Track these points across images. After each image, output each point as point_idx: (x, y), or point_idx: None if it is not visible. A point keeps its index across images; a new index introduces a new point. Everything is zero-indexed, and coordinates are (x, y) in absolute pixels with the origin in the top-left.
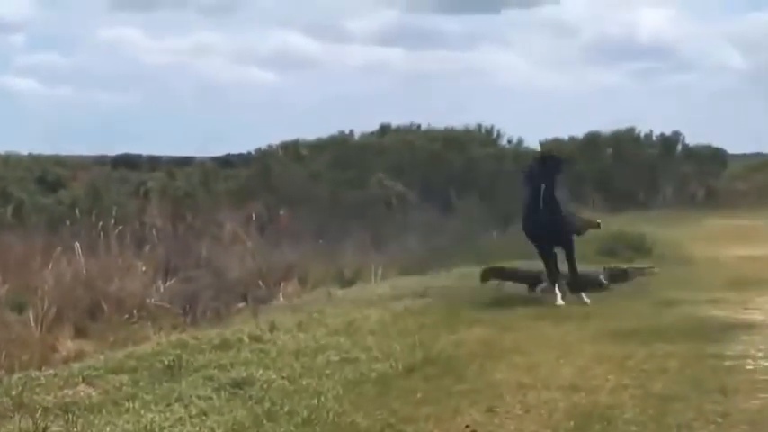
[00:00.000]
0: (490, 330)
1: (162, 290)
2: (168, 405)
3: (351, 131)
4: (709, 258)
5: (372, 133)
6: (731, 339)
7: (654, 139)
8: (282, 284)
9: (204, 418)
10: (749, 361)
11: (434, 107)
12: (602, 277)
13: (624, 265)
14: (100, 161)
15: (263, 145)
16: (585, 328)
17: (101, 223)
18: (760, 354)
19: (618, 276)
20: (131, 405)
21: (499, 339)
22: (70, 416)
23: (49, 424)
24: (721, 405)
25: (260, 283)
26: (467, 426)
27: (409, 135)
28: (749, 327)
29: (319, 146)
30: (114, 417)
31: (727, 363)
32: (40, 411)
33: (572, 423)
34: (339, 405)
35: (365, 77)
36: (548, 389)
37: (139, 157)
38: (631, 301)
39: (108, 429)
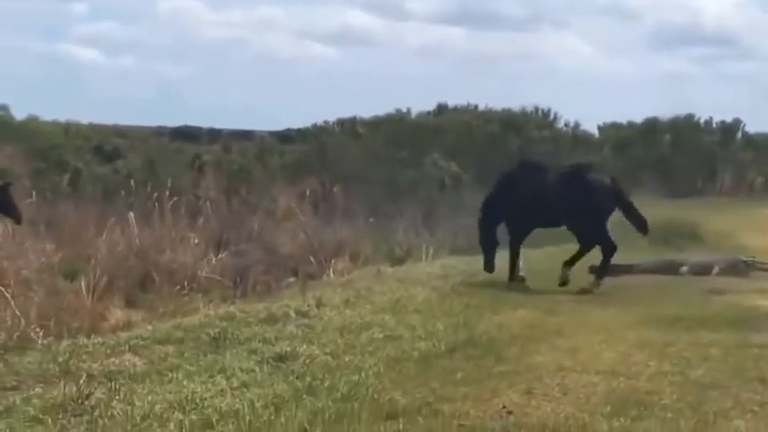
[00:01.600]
0: (534, 313)
1: (213, 262)
2: (211, 377)
3: (408, 110)
4: (761, 248)
5: (429, 113)
6: None
7: (714, 126)
8: (333, 261)
9: (245, 390)
10: None
11: (493, 88)
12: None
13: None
14: (159, 132)
15: (319, 121)
16: (629, 314)
17: (156, 194)
18: None
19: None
20: (175, 375)
21: (542, 322)
22: (114, 383)
23: (93, 390)
24: (760, 394)
25: (311, 258)
26: (503, 406)
27: (466, 115)
28: None
29: (376, 123)
30: (157, 386)
31: None
32: (84, 378)
33: (609, 408)
34: (379, 382)
35: (425, 56)
36: (587, 372)
37: (199, 129)
38: (678, 288)
39: (150, 398)
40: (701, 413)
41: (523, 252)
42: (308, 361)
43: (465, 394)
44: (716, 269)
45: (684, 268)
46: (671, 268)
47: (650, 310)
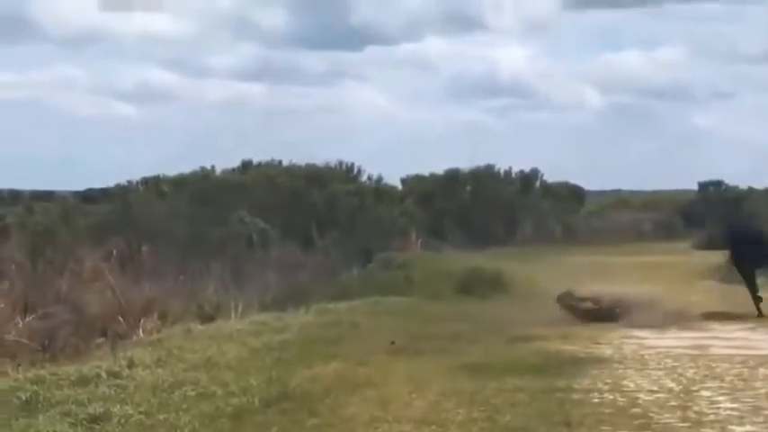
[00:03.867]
0: (345, 365)
1: (20, 326)
2: None
3: (212, 167)
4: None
5: (234, 169)
6: (580, 374)
7: (513, 176)
8: (142, 320)
9: None
10: (596, 394)
11: (296, 143)
12: None
13: None
14: None
15: (123, 180)
16: (437, 363)
17: None
18: (606, 387)
19: None
20: None
21: (353, 374)
22: None
23: None
24: None
25: (120, 318)
26: None
27: (270, 171)
28: (598, 361)
29: (180, 181)
30: None
31: (575, 396)
32: None
33: None
34: None
35: (227, 112)
36: (398, 422)
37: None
38: (486, 337)
39: None
40: None
41: None
42: (122, 421)
43: None
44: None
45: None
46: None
47: (457, 358)
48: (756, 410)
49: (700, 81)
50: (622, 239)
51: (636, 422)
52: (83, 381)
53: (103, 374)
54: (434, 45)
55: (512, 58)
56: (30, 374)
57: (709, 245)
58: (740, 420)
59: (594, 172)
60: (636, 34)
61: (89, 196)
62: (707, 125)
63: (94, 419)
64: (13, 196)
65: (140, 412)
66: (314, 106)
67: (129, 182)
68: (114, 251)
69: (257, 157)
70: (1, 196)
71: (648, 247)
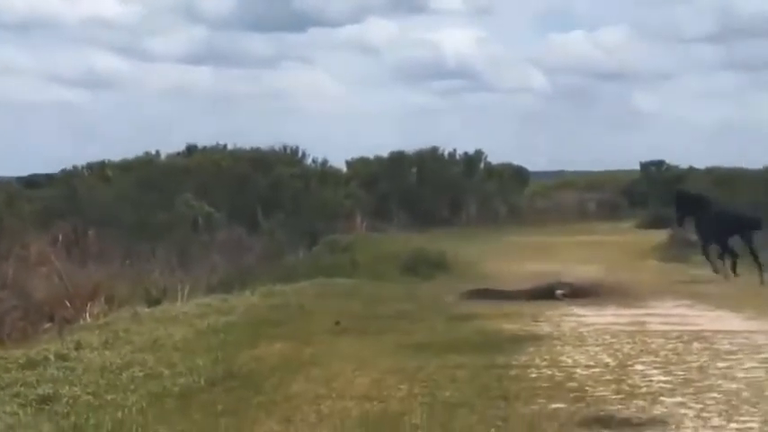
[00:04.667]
0: (290, 345)
1: None
2: None
3: (157, 152)
4: (506, 274)
5: (179, 154)
6: (519, 350)
7: (457, 158)
8: (89, 304)
9: None
10: (533, 370)
11: (241, 127)
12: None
13: None
14: None
15: (68, 165)
16: (381, 342)
17: None
18: (544, 363)
19: None
20: None
21: (298, 354)
22: None
23: None
24: (503, 410)
25: (67, 303)
26: None
27: (215, 155)
28: (537, 338)
29: (125, 166)
30: None
31: (513, 372)
32: None
33: (363, 429)
34: (143, 418)
35: (172, 97)
36: (342, 399)
37: None
38: (429, 316)
39: None
40: (449, 429)
41: None
42: (71, 401)
43: (226, 425)
44: (559, 292)
45: (560, 292)
46: (547, 293)
47: (401, 337)
48: (687, 383)
49: (642, 62)
50: (567, 219)
51: (571, 395)
52: (31, 363)
53: (51, 357)
54: (378, 27)
55: (457, 39)
56: None
57: (652, 224)
58: (671, 392)
59: (539, 153)
60: (580, 15)
61: (33, 182)
62: (649, 106)
63: (44, 400)
64: None
65: (88, 393)
66: (259, 89)
67: (75, 167)
68: (60, 236)
69: (202, 141)
70: None
71: (592, 226)
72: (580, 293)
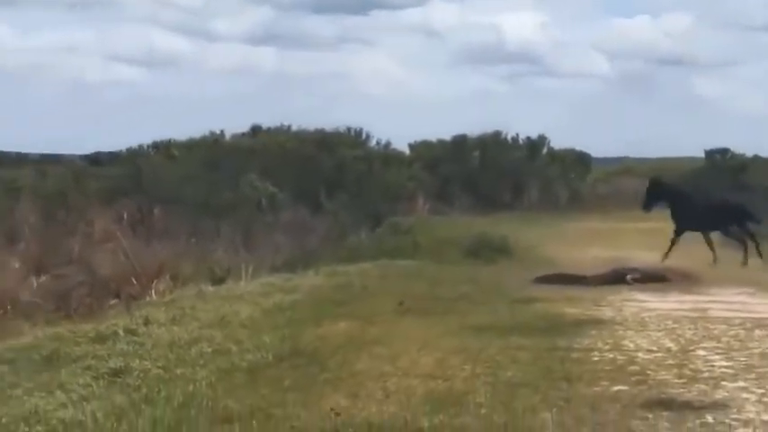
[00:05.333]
0: (354, 324)
1: (35, 286)
2: (50, 392)
3: (222, 132)
4: (568, 259)
5: (244, 134)
6: (581, 334)
7: (520, 142)
8: (155, 282)
9: (85, 403)
10: (595, 353)
11: (306, 107)
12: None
13: None
14: None
15: (133, 144)
16: (444, 323)
17: None
18: (606, 347)
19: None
20: (14, 392)
21: (362, 333)
22: None
23: None
24: (565, 391)
25: (133, 280)
26: (331, 409)
27: (280, 136)
28: (598, 322)
29: (190, 146)
30: None
31: (575, 354)
32: None
33: (428, 407)
34: (213, 391)
35: (235, 77)
36: (407, 377)
37: (6, 154)
38: (491, 299)
39: None
40: (512, 409)
41: None
42: (141, 375)
43: (294, 400)
44: (629, 277)
45: (630, 277)
46: (618, 278)
47: (463, 319)
48: (749, 368)
49: (707, 48)
50: (628, 206)
51: (633, 378)
52: (101, 338)
53: (121, 332)
54: (440, 10)
55: (519, 23)
56: (48, 332)
57: None
58: (733, 377)
59: (601, 139)
60: (644, 1)
61: (96, 160)
62: (714, 93)
63: (115, 373)
64: (20, 159)
65: (158, 367)
66: (321, 71)
67: (140, 146)
68: (125, 214)
69: (266, 122)
70: (8, 159)
71: (654, 213)
72: (650, 279)
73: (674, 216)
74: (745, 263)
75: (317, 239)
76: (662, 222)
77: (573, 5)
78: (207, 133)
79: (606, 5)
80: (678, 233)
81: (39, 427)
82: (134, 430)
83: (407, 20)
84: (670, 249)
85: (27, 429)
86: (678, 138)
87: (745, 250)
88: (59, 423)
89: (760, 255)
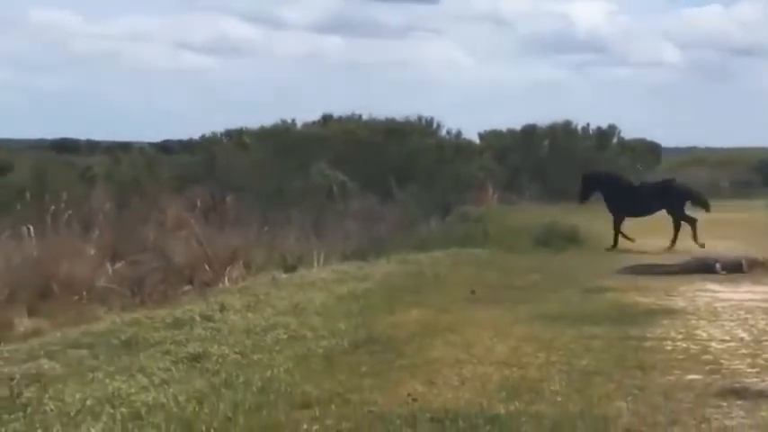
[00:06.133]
0: (427, 312)
1: (110, 272)
2: (131, 375)
3: (293, 120)
4: (637, 249)
5: (314, 122)
6: (653, 323)
7: (590, 132)
8: (228, 269)
9: (166, 386)
10: (668, 342)
11: (375, 96)
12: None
13: None
14: (38, 145)
15: (204, 131)
16: (515, 312)
17: (52, 207)
18: (679, 336)
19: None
20: (96, 375)
21: (435, 321)
22: (42, 384)
23: (22, 390)
24: (639, 380)
25: (206, 267)
26: (408, 394)
27: (350, 125)
28: (670, 312)
29: (262, 134)
30: (81, 386)
31: (648, 344)
32: (17, 378)
33: (504, 394)
34: (290, 377)
35: (304, 65)
36: (482, 364)
37: (77, 141)
38: (562, 288)
39: (78, 396)
40: (587, 397)
41: None
42: (220, 360)
43: (371, 385)
44: (718, 266)
45: (718, 265)
46: (706, 267)
47: (535, 307)
48: None
49: None
50: None
51: (707, 368)
52: (178, 323)
53: (197, 318)
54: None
55: (589, 13)
56: (125, 317)
57: None
58: None
59: (671, 128)
60: None
61: (166, 147)
62: None
63: (194, 358)
64: (91, 147)
65: (236, 352)
66: (390, 60)
67: (214, 133)
68: (198, 201)
69: (336, 110)
70: (79, 147)
71: (725, 204)
72: (735, 269)
73: (608, 204)
74: (672, 245)
75: (387, 228)
76: (734, 213)
77: None
78: (278, 121)
79: None
80: (617, 221)
81: (123, 409)
82: (215, 413)
83: (476, 8)
84: (675, 238)
85: (112, 411)
86: (748, 128)
87: (676, 230)
88: (142, 405)
89: (674, 239)
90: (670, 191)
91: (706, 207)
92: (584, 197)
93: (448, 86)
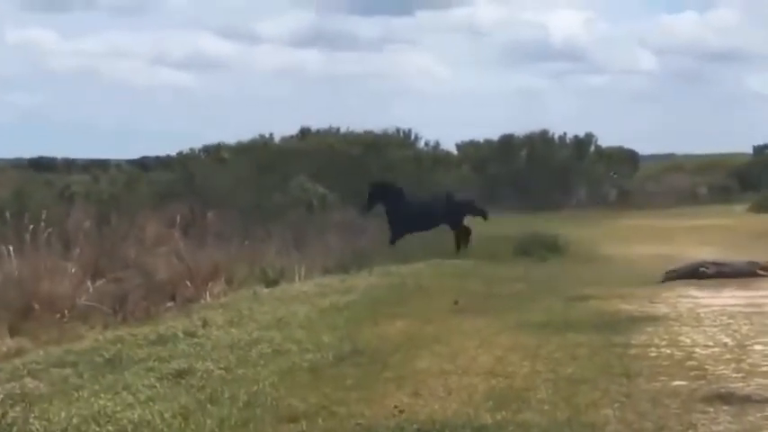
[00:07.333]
0: (412, 323)
1: (91, 290)
2: (116, 393)
3: (271, 135)
4: (619, 257)
5: (293, 136)
6: (637, 330)
7: (567, 140)
8: (210, 284)
9: (152, 403)
10: (653, 349)
11: (353, 108)
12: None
13: None
14: (16, 164)
15: (182, 148)
16: (500, 321)
17: (32, 226)
18: (663, 342)
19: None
20: (80, 394)
21: (420, 331)
22: (26, 404)
23: (7, 410)
24: (625, 387)
25: (188, 283)
26: (395, 406)
27: (329, 138)
28: (654, 319)
29: (241, 149)
30: (66, 405)
31: (633, 351)
32: None
33: (490, 403)
34: (276, 391)
35: (281, 79)
36: (467, 374)
37: (54, 159)
38: (545, 297)
39: (64, 414)
40: (574, 405)
41: None
42: (205, 375)
43: (357, 398)
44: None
45: (703, 269)
46: (751, 271)
47: (519, 316)
48: None
49: (755, 44)
50: (677, 203)
51: (692, 373)
52: (161, 340)
53: (180, 334)
54: (485, 9)
55: (566, 21)
56: (108, 335)
57: (766, 207)
58: None
59: (649, 135)
60: None
61: (144, 164)
62: (761, 88)
63: (179, 374)
64: (68, 165)
65: (221, 368)
66: (367, 72)
67: (192, 149)
68: (178, 217)
69: (314, 123)
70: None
71: (704, 210)
72: (724, 275)
73: (389, 218)
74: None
75: (368, 240)
76: (714, 219)
77: (618, 2)
78: (256, 136)
79: (651, 2)
80: (394, 239)
81: (109, 427)
82: (201, 429)
83: (452, 19)
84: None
85: (98, 429)
86: (726, 134)
87: (458, 242)
88: (128, 423)
89: (458, 247)
90: (452, 205)
91: (484, 217)
92: (369, 208)
93: (425, 97)
